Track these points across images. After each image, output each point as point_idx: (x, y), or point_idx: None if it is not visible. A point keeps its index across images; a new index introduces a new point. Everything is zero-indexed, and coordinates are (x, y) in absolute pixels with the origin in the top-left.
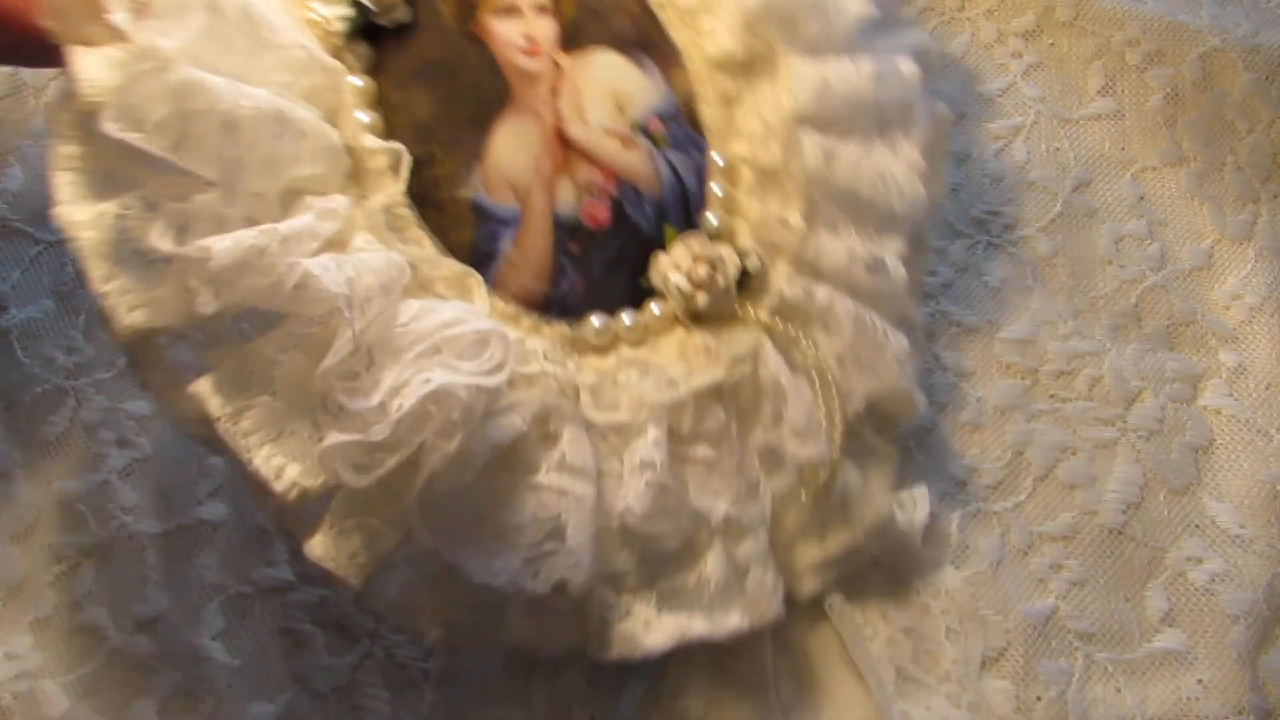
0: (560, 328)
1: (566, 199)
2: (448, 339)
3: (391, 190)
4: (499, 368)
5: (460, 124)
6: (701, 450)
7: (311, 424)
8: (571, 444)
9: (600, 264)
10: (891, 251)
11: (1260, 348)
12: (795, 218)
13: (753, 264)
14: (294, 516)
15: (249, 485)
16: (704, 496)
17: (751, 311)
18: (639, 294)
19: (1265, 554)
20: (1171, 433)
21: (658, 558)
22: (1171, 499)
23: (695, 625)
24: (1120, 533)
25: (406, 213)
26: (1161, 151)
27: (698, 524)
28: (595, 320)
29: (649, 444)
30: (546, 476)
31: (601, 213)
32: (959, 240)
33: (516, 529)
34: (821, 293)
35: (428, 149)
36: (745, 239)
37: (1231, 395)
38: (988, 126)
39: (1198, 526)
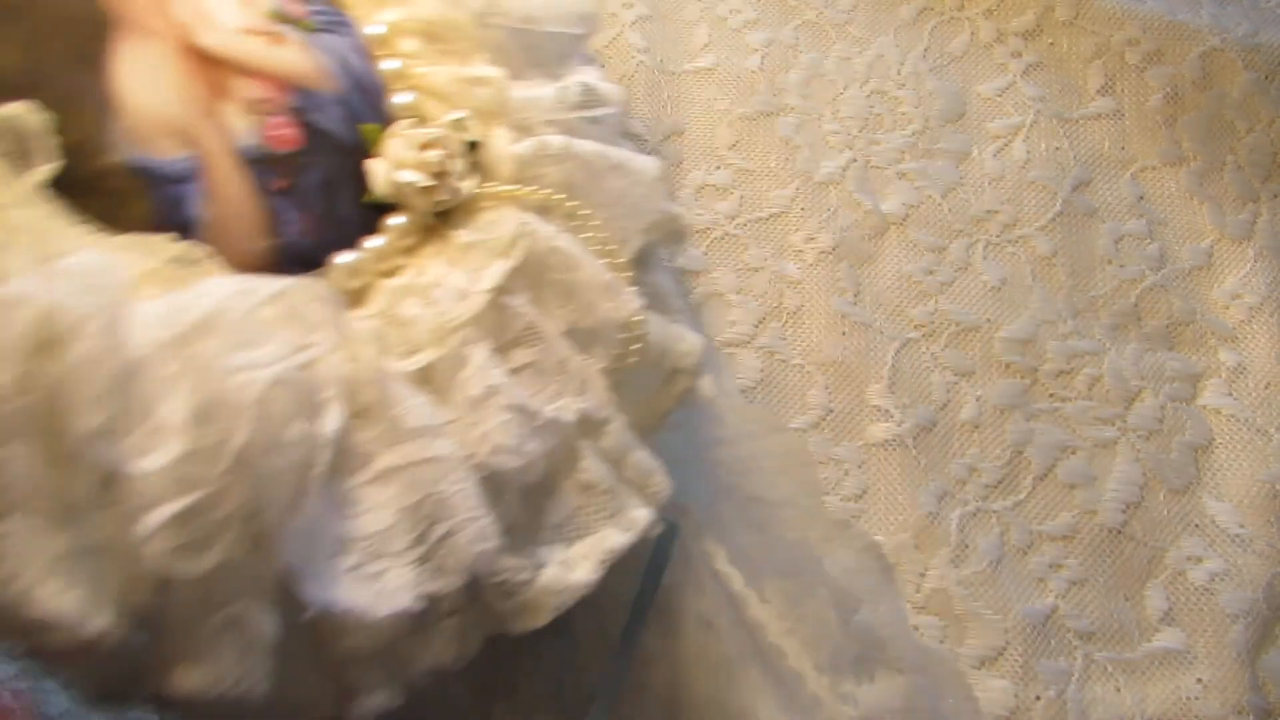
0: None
1: (242, 127)
2: (227, 326)
3: (26, 181)
4: (311, 335)
5: (64, 67)
6: (520, 355)
7: (94, 521)
8: (397, 408)
9: (316, 192)
10: (591, 75)
11: (1259, 347)
12: (489, 70)
13: (476, 133)
14: (123, 659)
15: (33, 651)
16: (548, 403)
17: (496, 186)
18: (371, 215)
19: (1265, 553)
20: (1171, 432)
21: (536, 490)
22: (1171, 498)
23: (611, 538)
24: (1120, 532)
25: (55, 207)
26: (1161, 151)
27: (560, 435)
28: (342, 260)
29: (480, 369)
30: (391, 456)
31: (288, 130)
32: (958, 239)
33: (390, 533)
34: (554, 141)
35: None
36: (445, 112)
37: (1231, 395)
38: (987, 126)
39: (1197, 526)
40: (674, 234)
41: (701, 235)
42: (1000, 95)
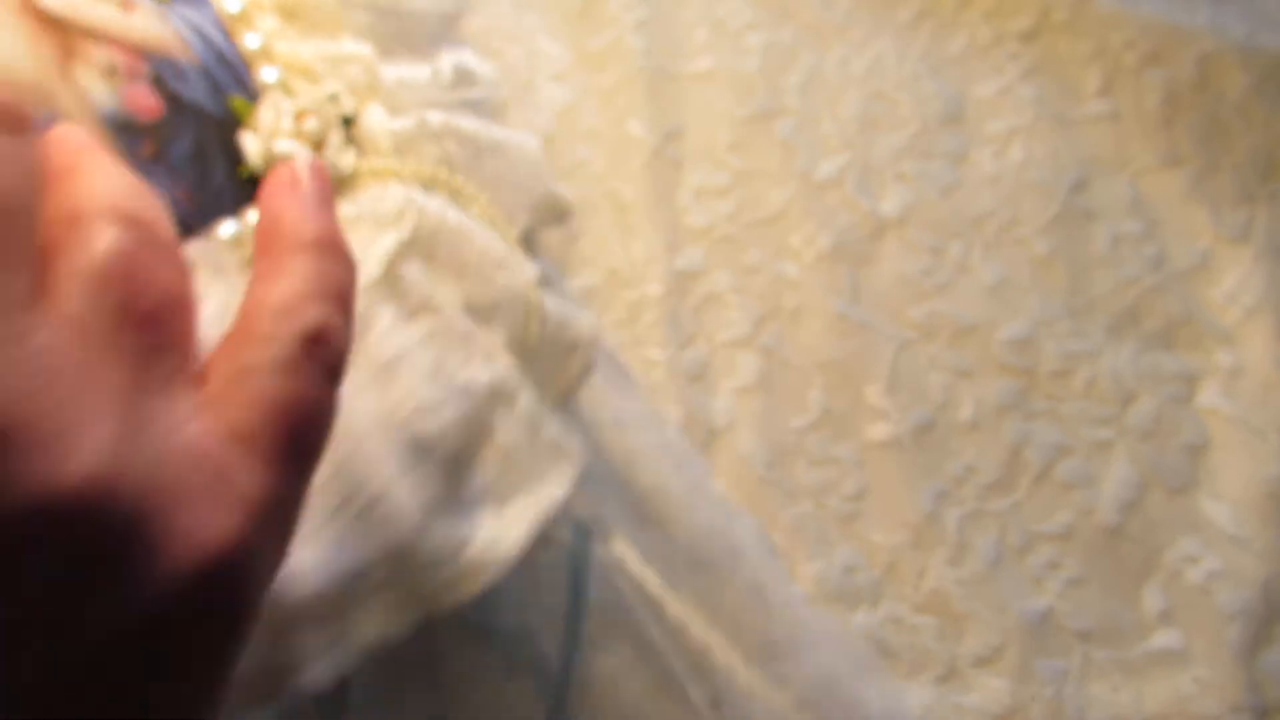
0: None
1: (99, 91)
2: None
3: None
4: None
5: None
6: (422, 325)
7: None
8: None
9: (187, 161)
10: (465, 56)
11: (1257, 348)
12: (358, 48)
13: (348, 105)
14: None
15: None
16: (458, 369)
17: (377, 161)
18: (248, 189)
19: (1262, 554)
20: (1168, 433)
21: (456, 460)
22: (1168, 499)
23: (542, 493)
24: (1117, 532)
25: None
26: (1159, 153)
27: (473, 401)
28: (225, 231)
29: (388, 332)
30: None
31: (147, 98)
32: (957, 241)
33: (315, 499)
34: (433, 118)
35: None
36: (314, 89)
37: (1228, 396)
38: (986, 128)
39: (1194, 526)
40: (557, 214)
41: (701, 236)
42: (998, 97)
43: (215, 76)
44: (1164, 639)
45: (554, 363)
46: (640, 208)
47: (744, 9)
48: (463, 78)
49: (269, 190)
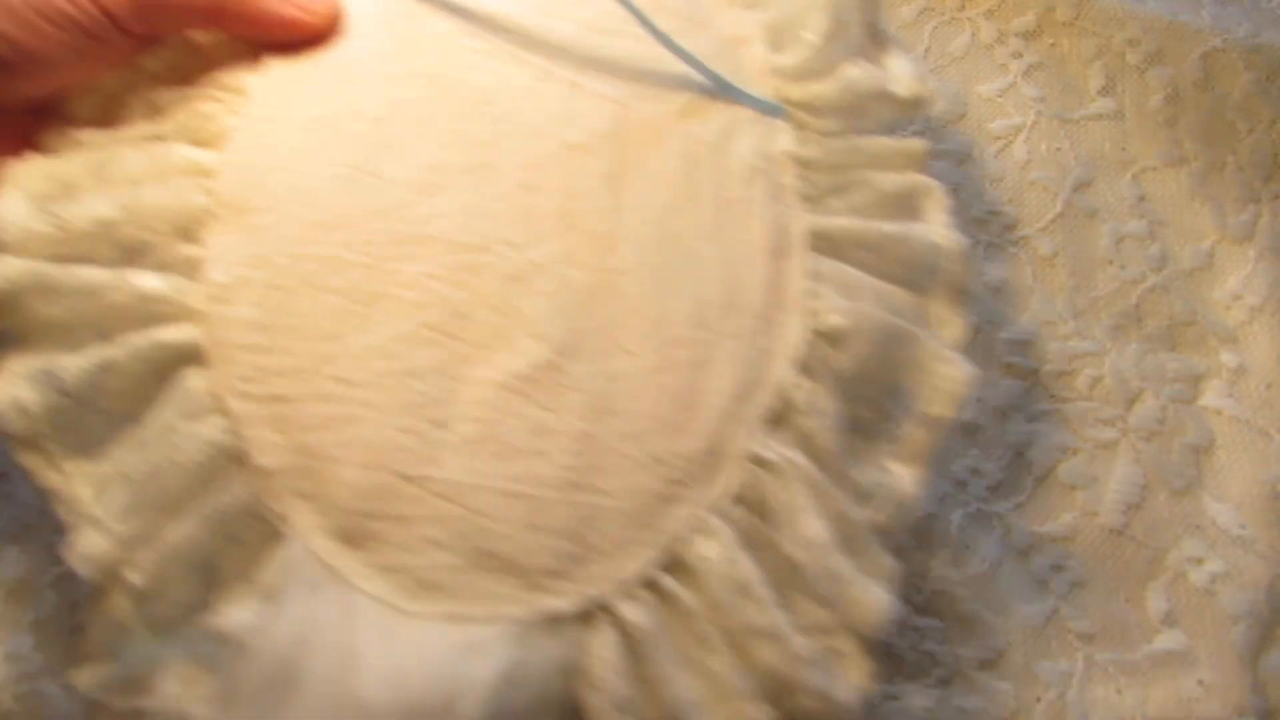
0: None
1: None
2: None
3: None
4: None
5: None
6: None
7: None
8: None
9: None
10: None
11: (1261, 348)
12: None
13: None
14: None
15: None
16: None
17: None
18: None
19: (1266, 555)
20: (1172, 433)
21: None
22: (1172, 499)
23: None
24: (1121, 533)
25: None
26: (1162, 152)
27: None
28: None
29: None
30: None
31: None
32: None
33: None
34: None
35: None
36: None
37: (1232, 396)
38: (988, 126)
39: (1198, 527)
40: None
41: None
42: (1001, 96)
43: None
44: (1168, 641)
45: None
46: None
47: None
48: None
49: None
